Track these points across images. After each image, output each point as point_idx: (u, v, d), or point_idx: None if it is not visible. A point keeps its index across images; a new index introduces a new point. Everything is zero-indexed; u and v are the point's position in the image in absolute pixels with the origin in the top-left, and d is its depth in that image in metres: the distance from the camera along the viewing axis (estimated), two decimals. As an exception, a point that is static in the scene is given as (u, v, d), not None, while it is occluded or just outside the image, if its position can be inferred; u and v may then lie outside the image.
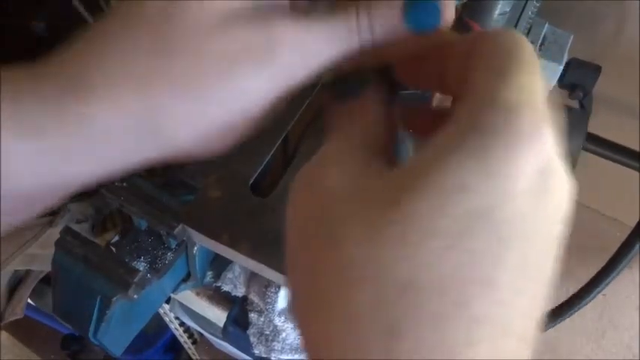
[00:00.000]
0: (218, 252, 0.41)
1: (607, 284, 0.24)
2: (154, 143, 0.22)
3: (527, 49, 0.18)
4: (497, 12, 0.50)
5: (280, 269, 0.38)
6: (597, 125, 0.54)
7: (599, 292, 0.24)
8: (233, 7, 0.21)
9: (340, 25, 0.22)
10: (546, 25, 0.54)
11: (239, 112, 0.22)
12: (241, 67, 0.21)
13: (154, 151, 0.22)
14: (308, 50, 0.22)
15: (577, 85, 0.54)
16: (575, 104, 0.55)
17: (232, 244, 0.39)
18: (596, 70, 0.54)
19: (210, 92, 0.21)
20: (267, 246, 0.39)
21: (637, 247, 0.23)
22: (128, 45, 0.21)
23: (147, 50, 0.21)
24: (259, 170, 0.43)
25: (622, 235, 0.76)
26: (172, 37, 0.21)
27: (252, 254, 0.38)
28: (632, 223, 0.75)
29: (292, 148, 0.46)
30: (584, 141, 0.53)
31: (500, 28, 0.18)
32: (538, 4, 0.52)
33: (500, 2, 0.49)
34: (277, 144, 0.44)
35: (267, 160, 0.43)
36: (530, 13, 0.53)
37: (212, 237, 0.39)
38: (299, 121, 0.46)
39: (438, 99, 0.44)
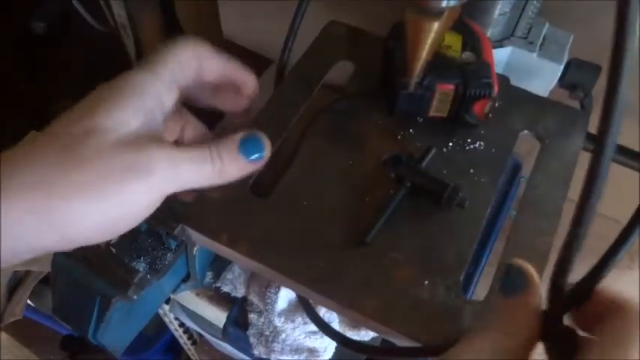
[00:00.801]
0: (217, 252, 0.41)
1: (605, 274, 0.24)
2: (51, 234, 0.28)
3: None
4: (497, 12, 0.50)
5: (279, 269, 0.38)
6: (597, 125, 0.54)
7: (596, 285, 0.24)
8: (122, 136, 0.29)
9: (198, 154, 0.32)
10: (546, 24, 0.54)
11: (121, 214, 0.30)
12: (126, 181, 0.29)
13: (52, 240, 0.29)
14: (177, 171, 0.31)
15: (577, 85, 0.54)
16: (575, 104, 0.54)
17: (231, 245, 0.39)
18: (597, 69, 0.54)
19: (101, 197, 0.29)
20: (266, 246, 0.39)
21: (633, 238, 0.23)
22: (41, 160, 0.28)
23: (54, 165, 0.28)
24: (259, 170, 0.43)
25: (617, 234, 0.75)
26: (76, 156, 0.29)
27: (251, 254, 0.38)
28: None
29: (292, 148, 0.46)
30: (584, 141, 0.52)
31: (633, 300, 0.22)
32: (538, 5, 0.52)
33: (500, 2, 0.49)
34: (277, 144, 0.44)
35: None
36: (530, 13, 0.53)
37: (211, 237, 0.39)
38: (299, 122, 0.46)
39: (437, 99, 0.44)
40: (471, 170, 0.43)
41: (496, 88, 0.42)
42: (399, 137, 0.45)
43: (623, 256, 0.23)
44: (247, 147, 0.33)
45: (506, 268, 0.25)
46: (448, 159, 0.44)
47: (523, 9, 0.52)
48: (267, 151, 0.34)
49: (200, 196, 0.40)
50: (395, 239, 0.39)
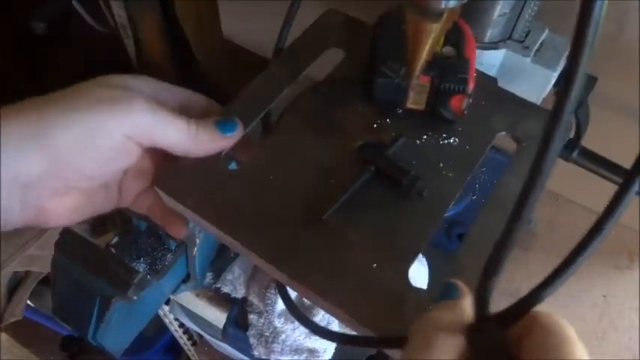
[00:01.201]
0: (184, 215, 0.42)
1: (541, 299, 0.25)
2: (38, 157, 0.31)
3: (571, 333, 0.23)
4: (496, 13, 0.50)
5: (236, 237, 0.39)
6: (596, 128, 0.54)
7: (582, 262, 0.24)
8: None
9: (177, 114, 0.36)
10: (546, 30, 0.53)
11: (100, 140, 0.33)
12: (107, 105, 0.33)
13: (40, 165, 0.31)
14: (153, 116, 0.34)
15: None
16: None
17: (195, 209, 0.40)
18: (592, 80, 0.54)
19: (82, 114, 0.32)
20: (228, 214, 0.40)
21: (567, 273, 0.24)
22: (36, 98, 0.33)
23: (46, 97, 0.33)
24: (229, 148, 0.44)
25: (618, 234, 0.76)
26: (66, 90, 0.34)
27: (213, 220, 0.39)
28: (629, 223, 0.75)
29: (269, 126, 0.47)
30: (576, 154, 0.52)
31: (547, 314, 0.25)
32: (536, 8, 0.52)
33: (500, 3, 0.49)
34: (256, 122, 0.45)
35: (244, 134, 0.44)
36: (527, 16, 0.52)
37: (178, 200, 0.40)
38: (280, 102, 0.47)
39: (413, 90, 0.45)
40: (441, 164, 0.44)
41: (471, 85, 0.42)
42: (375, 126, 0.46)
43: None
44: (222, 124, 0.38)
45: (444, 285, 0.29)
46: (420, 151, 0.44)
47: (521, 11, 0.52)
48: (238, 131, 0.39)
49: (172, 160, 0.42)
50: (353, 221, 0.40)
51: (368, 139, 0.45)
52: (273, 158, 0.44)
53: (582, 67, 0.20)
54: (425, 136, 0.45)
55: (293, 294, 0.63)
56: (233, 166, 0.45)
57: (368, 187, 0.42)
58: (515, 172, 0.44)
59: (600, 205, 0.22)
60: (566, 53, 0.53)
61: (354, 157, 0.44)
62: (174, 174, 0.42)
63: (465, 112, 0.44)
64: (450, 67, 0.43)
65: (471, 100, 0.44)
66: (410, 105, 0.45)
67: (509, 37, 0.53)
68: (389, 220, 0.41)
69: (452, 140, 0.45)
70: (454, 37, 0.44)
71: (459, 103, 0.44)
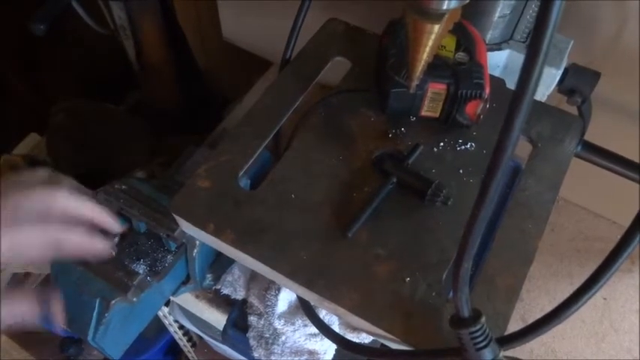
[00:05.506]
0: (204, 241, 0.41)
1: (607, 280, 0.24)
2: None
3: None
4: (497, 14, 0.50)
5: (262, 259, 0.38)
6: (597, 130, 0.54)
7: (598, 289, 0.24)
8: None
9: None
10: (547, 29, 0.53)
11: None
12: None
13: None
14: None
15: (575, 90, 0.54)
16: (573, 110, 0.54)
17: (217, 234, 0.39)
18: (595, 76, 0.54)
19: None
20: (251, 237, 0.39)
21: (635, 241, 0.23)
22: None
23: None
24: (249, 162, 0.43)
25: (618, 237, 0.76)
26: None
27: (236, 244, 0.39)
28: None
29: (284, 143, 0.46)
30: (580, 148, 0.52)
31: None
32: (536, 9, 0.52)
33: (500, 4, 0.48)
34: (268, 139, 0.44)
35: (256, 153, 0.44)
36: (528, 16, 0.53)
37: (198, 226, 0.39)
38: (292, 116, 0.47)
39: (429, 98, 0.44)
40: (460, 170, 0.43)
41: (487, 90, 0.42)
42: (390, 135, 0.45)
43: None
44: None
45: None
46: (438, 158, 0.44)
47: (522, 12, 0.52)
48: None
49: (189, 186, 0.41)
50: (379, 235, 0.40)
51: (384, 149, 0.44)
52: (291, 175, 0.43)
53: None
54: (441, 143, 0.45)
55: (293, 295, 0.63)
56: (246, 184, 0.44)
57: (390, 199, 0.41)
58: (533, 174, 0.43)
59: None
60: (568, 51, 0.53)
61: (372, 168, 0.43)
62: (190, 198, 0.41)
63: (481, 116, 0.44)
64: (464, 73, 0.42)
65: (487, 105, 0.43)
66: (425, 112, 0.45)
67: (511, 38, 0.53)
68: (414, 232, 0.40)
69: (468, 145, 0.45)
70: (464, 42, 0.44)
71: (474, 109, 0.43)
